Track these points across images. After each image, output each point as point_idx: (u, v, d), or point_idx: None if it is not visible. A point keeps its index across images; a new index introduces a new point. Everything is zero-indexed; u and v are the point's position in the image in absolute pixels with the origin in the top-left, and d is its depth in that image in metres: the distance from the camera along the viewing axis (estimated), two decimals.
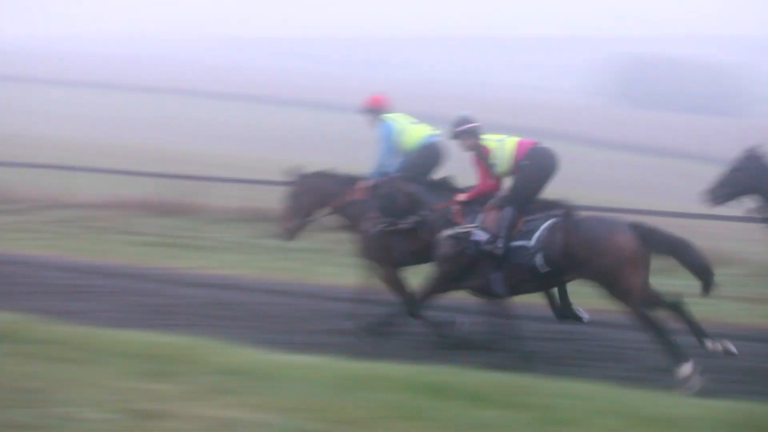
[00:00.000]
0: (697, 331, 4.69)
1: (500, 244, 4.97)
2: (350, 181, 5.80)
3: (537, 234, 4.91)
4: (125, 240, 9.71)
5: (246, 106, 39.41)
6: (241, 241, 9.61)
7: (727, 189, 5.61)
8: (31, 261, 8.22)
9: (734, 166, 5.63)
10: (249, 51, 73.77)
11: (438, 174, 5.54)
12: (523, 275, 4.96)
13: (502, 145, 5.18)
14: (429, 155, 5.49)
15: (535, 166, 5.06)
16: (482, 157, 5.18)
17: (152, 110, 37.77)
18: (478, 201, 5.15)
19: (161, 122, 33.91)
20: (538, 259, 4.87)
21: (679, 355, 4.51)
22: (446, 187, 5.36)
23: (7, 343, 3.88)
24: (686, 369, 4.46)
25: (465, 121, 5.29)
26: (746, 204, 5.58)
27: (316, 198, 5.88)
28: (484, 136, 5.22)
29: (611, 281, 4.69)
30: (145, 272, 7.79)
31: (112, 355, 3.83)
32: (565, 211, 4.95)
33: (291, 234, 6.02)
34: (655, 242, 4.73)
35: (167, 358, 3.84)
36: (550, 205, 4.97)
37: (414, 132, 5.56)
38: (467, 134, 5.22)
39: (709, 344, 4.60)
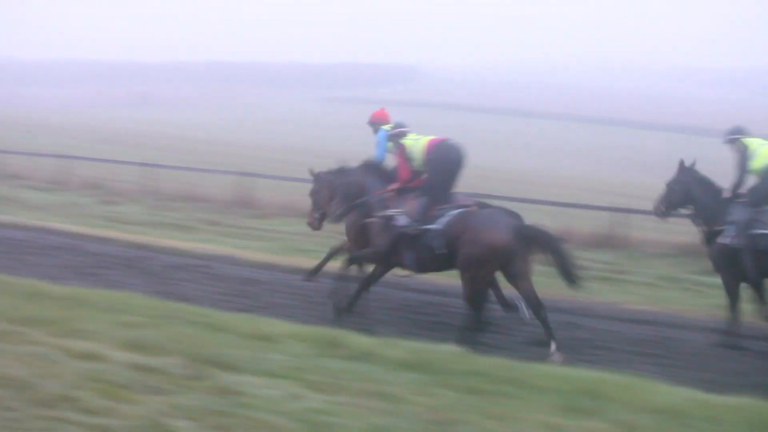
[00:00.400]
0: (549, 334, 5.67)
1: (414, 226, 5.97)
2: None
3: (443, 220, 5.80)
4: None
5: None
6: (669, 276, 9.37)
7: (666, 203, 6.73)
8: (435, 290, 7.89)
9: (670, 180, 6.62)
10: (688, 81, 67.86)
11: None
12: (428, 255, 5.89)
13: (416, 143, 6.20)
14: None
15: (439, 159, 5.93)
16: (400, 153, 6.26)
17: (584, 140, 38.07)
18: (408, 189, 6.02)
19: (598, 153, 34.16)
20: (438, 242, 5.79)
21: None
22: (391, 177, 6.21)
23: (422, 373, 4.15)
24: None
25: (396, 125, 6.55)
26: (684, 212, 6.53)
27: None
28: (406, 137, 6.23)
29: (465, 269, 5.63)
30: (565, 304, 7.38)
31: (536, 389, 4.03)
32: (475, 203, 5.81)
33: None
34: (533, 241, 5.43)
35: (592, 393, 4.01)
36: (466, 199, 5.82)
37: None
38: (393, 136, 6.34)
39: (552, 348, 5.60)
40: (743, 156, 6.49)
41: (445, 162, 6.06)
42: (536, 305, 5.74)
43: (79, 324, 5.23)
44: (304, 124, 73.17)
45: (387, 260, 6.36)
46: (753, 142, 6.56)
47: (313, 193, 7.14)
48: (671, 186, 6.78)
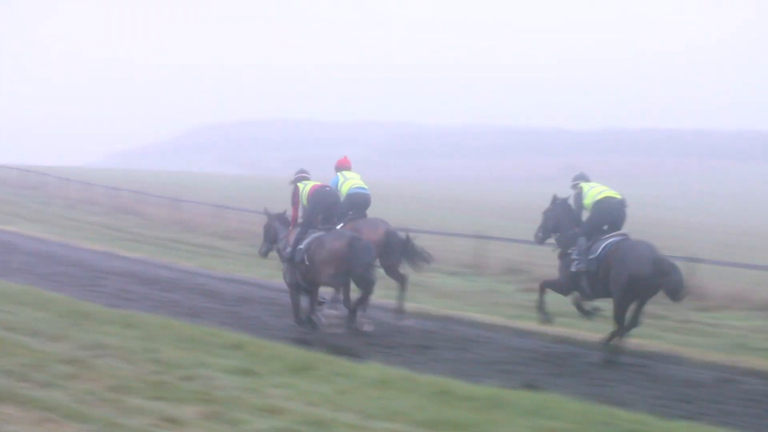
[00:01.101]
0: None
1: (288, 250, 11.69)
2: None
3: (306, 241, 11.49)
4: None
5: None
6: None
7: (542, 230, 11.73)
8: None
9: (545, 210, 11.71)
10: None
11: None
12: (301, 271, 11.52)
13: (304, 187, 11.89)
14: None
15: (313, 200, 11.63)
16: (294, 194, 11.93)
17: None
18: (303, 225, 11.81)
19: None
20: (305, 258, 11.36)
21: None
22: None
23: None
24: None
25: (298, 171, 12.25)
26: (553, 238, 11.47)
27: None
28: (302, 182, 11.99)
29: (315, 272, 11.33)
30: None
31: None
32: (331, 227, 11.57)
33: None
34: (360, 250, 11.10)
35: None
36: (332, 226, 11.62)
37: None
38: (293, 180, 12.12)
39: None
40: (578, 196, 11.25)
41: (317, 203, 11.82)
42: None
43: (494, 429, 5.70)
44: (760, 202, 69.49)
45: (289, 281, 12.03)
46: (584, 186, 11.28)
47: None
48: (545, 217, 11.66)
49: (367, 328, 11.56)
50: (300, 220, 11.96)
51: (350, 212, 12.47)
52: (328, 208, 11.79)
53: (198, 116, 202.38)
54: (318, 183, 12.01)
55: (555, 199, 11.80)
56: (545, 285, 11.45)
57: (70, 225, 27.82)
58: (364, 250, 11.15)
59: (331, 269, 11.24)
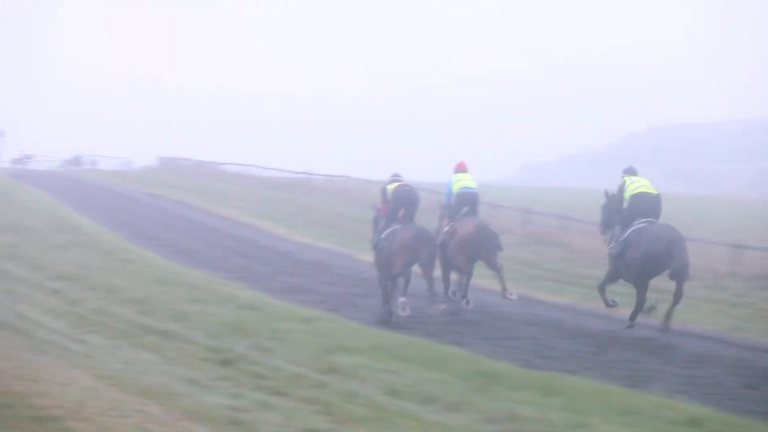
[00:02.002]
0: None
1: (373, 239, 18.74)
2: None
3: (386, 232, 18.05)
4: None
5: None
6: None
7: (601, 225, 17.97)
8: None
9: (602, 206, 17.89)
10: None
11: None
12: (380, 259, 18.13)
13: (390, 186, 18.58)
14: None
15: (394, 197, 18.30)
16: (382, 193, 18.93)
17: None
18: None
19: None
20: (384, 247, 17.89)
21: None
22: None
23: None
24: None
25: (392, 175, 19.23)
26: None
27: None
28: (391, 183, 18.77)
29: (390, 261, 17.55)
30: None
31: None
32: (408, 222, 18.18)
33: None
34: (424, 241, 17.41)
35: None
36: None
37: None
38: (387, 183, 19.03)
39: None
40: (620, 189, 17.31)
41: (397, 200, 18.55)
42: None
43: None
44: None
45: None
46: (627, 179, 17.29)
47: None
48: (602, 210, 18.09)
49: (403, 312, 17.18)
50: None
51: (464, 209, 19.20)
52: (406, 202, 18.44)
53: (632, 120, 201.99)
54: (401, 183, 18.85)
55: (607, 194, 17.97)
56: (603, 283, 17.70)
57: None
58: (427, 241, 17.69)
59: (400, 258, 17.58)
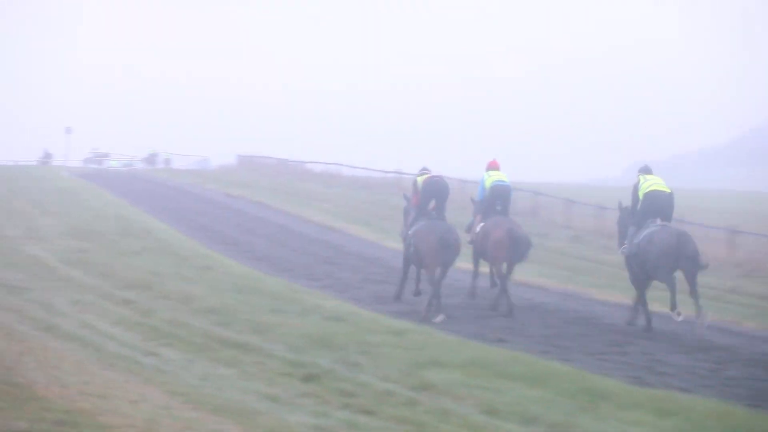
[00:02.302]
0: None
1: (402, 231, 22.02)
2: None
3: (414, 228, 20.44)
4: None
5: None
6: None
7: (618, 240, 20.45)
8: None
9: (617, 221, 20.82)
10: None
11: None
12: (408, 253, 20.91)
13: (420, 178, 21.16)
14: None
15: (423, 188, 20.75)
16: (413, 186, 21.58)
17: None
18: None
19: None
20: (411, 243, 20.32)
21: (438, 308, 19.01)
22: None
23: None
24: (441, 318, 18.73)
25: (421, 168, 22.00)
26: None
27: None
28: (420, 176, 21.37)
29: (418, 257, 20.07)
30: None
31: None
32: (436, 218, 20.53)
33: None
34: (450, 242, 19.52)
35: None
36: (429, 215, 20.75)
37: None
38: (416, 175, 21.96)
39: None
40: (635, 187, 19.58)
41: (427, 192, 21.06)
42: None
43: None
44: None
45: None
46: (641, 178, 19.51)
47: None
48: (618, 224, 20.77)
49: (438, 319, 18.76)
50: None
51: (497, 204, 21.49)
52: (437, 193, 20.78)
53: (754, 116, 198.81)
54: (431, 174, 21.25)
55: (620, 206, 20.55)
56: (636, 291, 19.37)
57: (578, 267, 29.35)
58: (450, 246, 19.63)
59: (426, 260, 19.82)
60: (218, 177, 60.49)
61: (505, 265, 20.43)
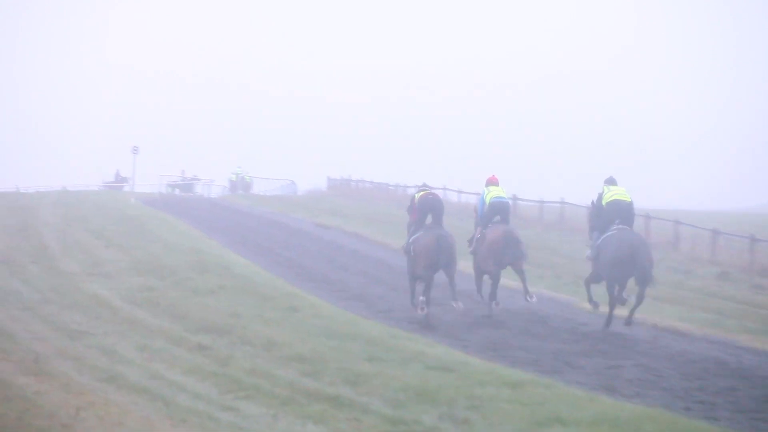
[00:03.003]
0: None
1: (404, 244, 26.73)
2: None
3: (413, 237, 25.64)
4: None
5: None
6: None
7: (590, 229, 26.20)
8: None
9: (589, 214, 27.72)
10: None
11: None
12: (409, 260, 25.93)
13: (417, 195, 26.55)
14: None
15: (419, 204, 25.93)
16: (411, 202, 26.87)
17: None
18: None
19: None
20: (411, 250, 25.48)
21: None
22: None
23: None
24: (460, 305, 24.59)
25: (421, 185, 28.08)
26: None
27: None
28: (418, 193, 26.83)
29: (414, 262, 25.36)
30: None
31: None
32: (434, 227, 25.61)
33: None
34: (444, 242, 24.60)
35: None
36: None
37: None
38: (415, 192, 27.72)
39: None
40: (599, 197, 25.19)
41: (422, 208, 26.01)
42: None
43: None
44: None
45: None
46: (606, 188, 25.09)
47: None
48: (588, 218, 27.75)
49: (421, 311, 24.03)
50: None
51: (497, 217, 26.47)
52: (432, 209, 25.56)
53: None
54: (427, 192, 26.37)
55: (592, 203, 25.60)
56: (587, 280, 25.04)
57: (726, 309, 28.64)
58: (447, 245, 24.36)
59: (422, 260, 24.43)
60: (306, 204, 60.99)
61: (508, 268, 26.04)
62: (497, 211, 26.55)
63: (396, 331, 21.59)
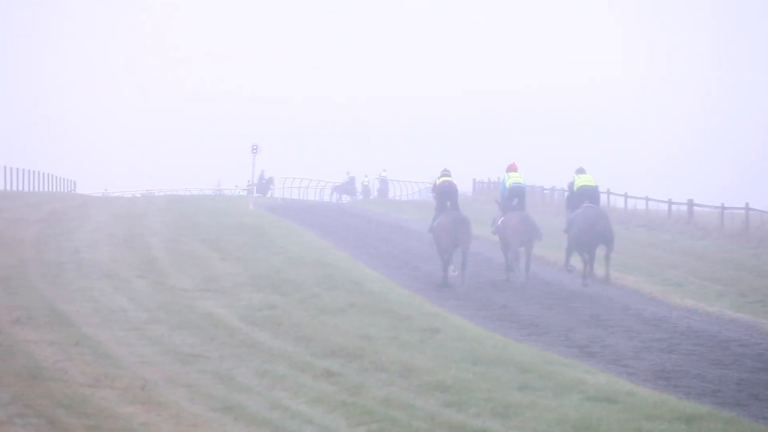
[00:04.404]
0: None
1: (430, 226, 37.78)
2: None
3: (437, 220, 35.61)
4: None
5: None
6: None
7: (566, 207, 38.98)
8: None
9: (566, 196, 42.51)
10: None
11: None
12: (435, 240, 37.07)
13: (438, 181, 36.35)
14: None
15: (438, 190, 35.96)
16: (433, 187, 38.83)
17: None
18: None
19: None
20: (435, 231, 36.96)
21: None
22: None
23: None
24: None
25: (443, 170, 36.62)
26: None
27: None
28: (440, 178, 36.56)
29: (437, 241, 35.06)
30: None
31: None
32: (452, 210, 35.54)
33: None
34: (460, 221, 34.30)
35: None
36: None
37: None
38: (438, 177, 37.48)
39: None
40: (570, 185, 36.68)
41: (440, 194, 36.25)
42: None
43: None
44: None
45: None
46: (576, 177, 36.00)
47: None
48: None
49: (452, 272, 33.31)
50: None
51: (515, 201, 34.76)
52: (448, 194, 34.14)
53: None
54: (446, 178, 34.52)
55: (569, 187, 36.26)
56: (567, 249, 34.44)
57: None
58: (463, 225, 33.27)
59: (443, 239, 33.07)
60: None
61: (523, 249, 34.27)
62: (516, 194, 35.15)
63: (551, 356, 21.55)
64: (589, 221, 32.98)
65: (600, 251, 33.47)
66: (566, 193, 37.35)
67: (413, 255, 40.71)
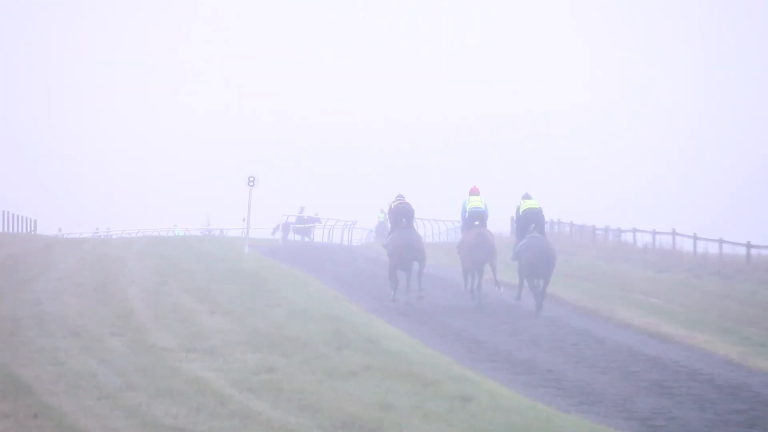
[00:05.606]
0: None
1: (384, 241, 54.95)
2: None
3: (390, 236, 48.31)
4: None
5: None
6: None
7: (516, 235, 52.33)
8: None
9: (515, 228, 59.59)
10: None
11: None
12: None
13: (393, 203, 47.30)
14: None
15: (393, 212, 46.08)
16: (389, 210, 48.31)
17: None
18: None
19: None
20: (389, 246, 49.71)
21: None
22: None
23: None
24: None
25: (397, 196, 47.37)
26: None
27: None
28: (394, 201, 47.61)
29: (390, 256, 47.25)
30: None
31: None
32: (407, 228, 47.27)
33: None
34: (412, 241, 45.00)
35: None
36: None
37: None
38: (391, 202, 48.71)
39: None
40: (517, 209, 46.56)
41: (397, 214, 46.76)
42: None
43: None
44: None
45: None
46: (522, 202, 46.27)
47: None
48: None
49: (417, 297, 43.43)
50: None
51: (476, 222, 43.64)
52: (404, 215, 44.13)
53: None
54: (400, 201, 44.55)
55: (512, 220, 65.98)
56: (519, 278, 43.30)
57: None
58: (415, 244, 43.47)
59: (396, 255, 42.72)
60: None
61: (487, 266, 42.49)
62: (475, 218, 43.48)
63: (604, 429, 21.36)
64: (537, 253, 40.84)
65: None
66: (512, 217, 46.41)
67: (438, 307, 40.59)
